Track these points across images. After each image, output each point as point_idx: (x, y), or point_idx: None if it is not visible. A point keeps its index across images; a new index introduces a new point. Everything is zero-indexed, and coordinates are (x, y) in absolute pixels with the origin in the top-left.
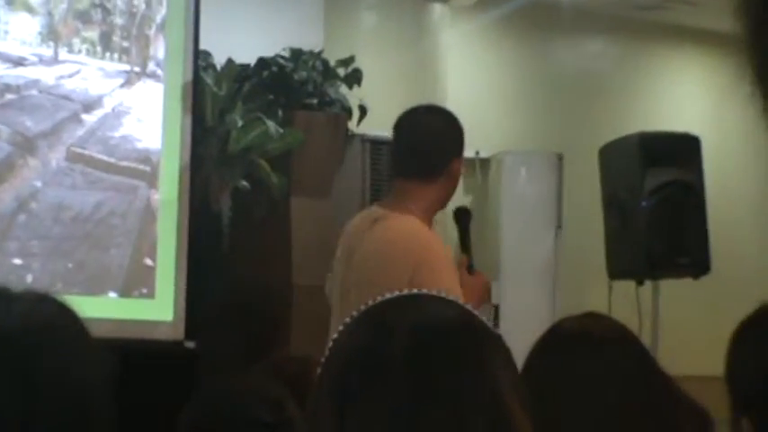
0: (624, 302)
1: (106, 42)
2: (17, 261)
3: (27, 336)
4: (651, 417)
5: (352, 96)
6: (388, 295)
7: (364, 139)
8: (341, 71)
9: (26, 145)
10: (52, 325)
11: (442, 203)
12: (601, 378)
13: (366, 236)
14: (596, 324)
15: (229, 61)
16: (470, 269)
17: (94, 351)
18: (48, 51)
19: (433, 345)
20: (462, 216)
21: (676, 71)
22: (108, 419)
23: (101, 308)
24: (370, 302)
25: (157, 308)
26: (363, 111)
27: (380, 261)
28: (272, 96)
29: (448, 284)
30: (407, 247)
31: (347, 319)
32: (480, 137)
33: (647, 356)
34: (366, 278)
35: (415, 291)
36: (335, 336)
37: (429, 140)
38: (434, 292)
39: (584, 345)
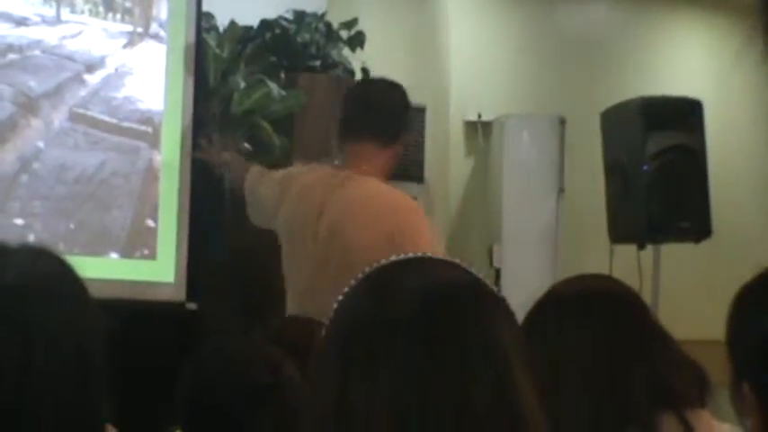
0: (625, 266)
1: (109, 3)
2: (19, 221)
3: (25, 288)
4: (646, 371)
5: (355, 59)
6: (393, 258)
7: None
8: (344, 33)
9: (29, 105)
10: (50, 278)
11: (389, 171)
12: (595, 334)
13: (339, 193)
14: (592, 283)
15: (232, 23)
16: None
17: (92, 305)
18: (50, 11)
19: (440, 307)
20: None
21: (679, 35)
22: (105, 374)
23: (102, 268)
24: (376, 264)
25: (159, 269)
26: (366, 73)
27: (359, 225)
28: (274, 58)
29: (426, 235)
30: (389, 213)
31: (352, 281)
32: (482, 100)
33: (644, 312)
34: (340, 238)
35: (419, 254)
36: (340, 297)
37: (390, 109)
38: (440, 256)
39: (582, 302)
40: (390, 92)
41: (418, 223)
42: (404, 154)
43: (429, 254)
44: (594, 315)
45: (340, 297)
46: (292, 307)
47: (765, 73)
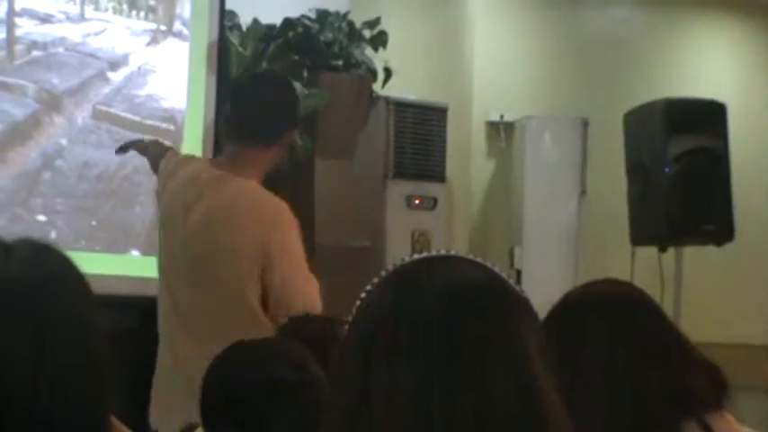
0: (647, 269)
1: (133, 0)
2: (41, 218)
3: (31, 281)
4: (664, 376)
5: (378, 58)
6: (416, 256)
7: (389, 101)
8: (366, 33)
9: (52, 102)
10: (54, 272)
11: (270, 168)
12: (611, 337)
13: (209, 194)
14: (610, 287)
15: (255, 21)
16: None
17: (94, 298)
18: (74, 9)
19: (464, 305)
20: None
21: (703, 37)
22: (111, 366)
23: (123, 265)
24: (398, 262)
25: None
26: (388, 73)
27: (229, 227)
28: (297, 57)
29: (297, 247)
30: (260, 213)
31: (375, 279)
32: (505, 101)
33: (659, 315)
34: (212, 238)
35: (443, 252)
36: (362, 295)
37: (269, 110)
38: (463, 254)
39: (597, 307)
40: (271, 89)
41: (287, 229)
42: (426, 153)
43: (452, 252)
44: (611, 320)
45: (362, 294)
46: (159, 296)
47: None
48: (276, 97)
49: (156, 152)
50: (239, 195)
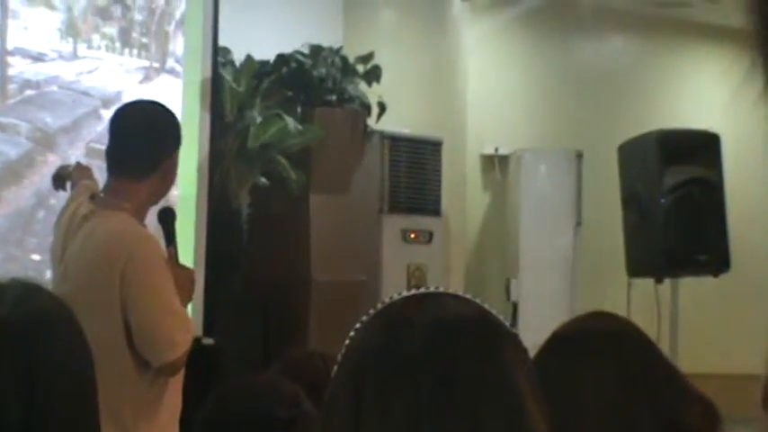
0: (643, 300)
1: (125, 38)
2: (36, 257)
3: (22, 323)
4: (656, 410)
5: (372, 93)
6: (405, 293)
7: (383, 135)
8: (360, 68)
9: (46, 141)
10: (46, 315)
11: (157, 198)
12: (600, 373)
13: (78, 233)
14: (597, 322)
15: (248, 57)
16: (176, 262)
17: (84, 337)
18: (67, 47)
19: (452, 342)
20: (165, 215)
21: (696, 69)
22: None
23: None
24: (387, 300)
25: None
26: (382, 107)
27: (90, 263)
28: (291, 93)
29: (158, 280)
30: (116, 246)
31: (364, 316)
32: (499, 134)
33: (650, 349)
34: (76, 277)
35: (431, 288)
36: (352, 332)
37: (139, 140)
38: (451, 291)
39: (584, 343)
40: (141, 120)
41: (144, 261)
42: (421, 187)
43: (440, 288)
44: (601, 355)
45: (352, 331)
46: None
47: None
48: (146, 127)
49: (79, 178)
50: (97, 236)
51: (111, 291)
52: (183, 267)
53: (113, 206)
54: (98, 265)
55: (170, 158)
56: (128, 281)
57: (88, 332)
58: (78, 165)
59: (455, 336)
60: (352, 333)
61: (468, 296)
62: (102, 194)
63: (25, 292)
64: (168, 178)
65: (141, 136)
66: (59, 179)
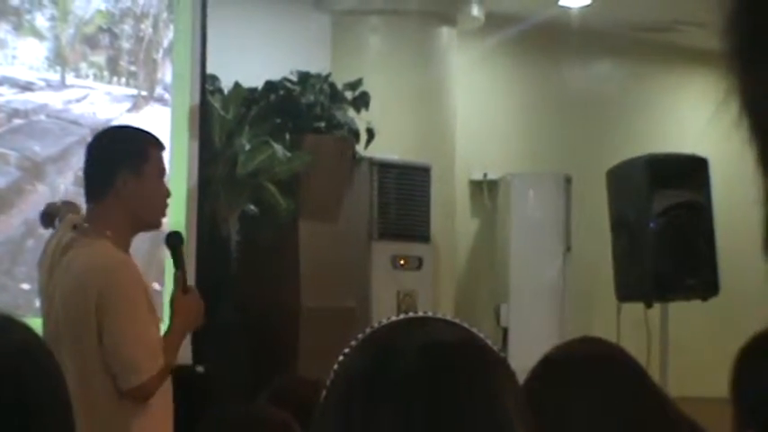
0: (633, 324)
1: (113, 67)
2: (25, 286)
3: (4, 358)
4: None
5: (360, 119)
6: (393, 318)
7: (372, 162)
8: (348, 94)
9: (34, 170)
10: (24, 347)
11: (138, 223)
12: (590, 401)
13: (60, 263)
14: (586, 347)
15: (236, 85)
16: (184, 287)
17: (59, 368)
18: (55, 76)
19: (439, 367)
20: (172, 239)
21: (684, 92)
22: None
23: None
24: (375, 325)
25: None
26: (371, 134)
27: (68, 293)
28: (279, 120)
29: (129, 306)
30: (91, 276)
31: (352, 342)
32: (488, 159)
33: (639, 375)
34: (59, 308)
35: (420, 313)
36: (340, 358)
37: (91, 162)
38: (440, 315)
39: (573, 368)
40: (95, 143)
41: (117, 287)
42: (410, 213)
43: (429, 313)
44: (590, 381)
45: (341, 357)
46: None
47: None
48: (97, 147)
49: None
50: (72, 267)
51: (88, 319)
52: (190, 291)
53: (94, 234)
54: (75, 296)
55: (121, 177)
56: (102, 308)
57: (72, 361)
58: (65, 202)
59: (443, 360)
60: (340, 358)
61: (456, 320)
62: (82, 222)
63: (2, 326)
64: (131, 198)
65: (93, 157)
66: (47, 217)
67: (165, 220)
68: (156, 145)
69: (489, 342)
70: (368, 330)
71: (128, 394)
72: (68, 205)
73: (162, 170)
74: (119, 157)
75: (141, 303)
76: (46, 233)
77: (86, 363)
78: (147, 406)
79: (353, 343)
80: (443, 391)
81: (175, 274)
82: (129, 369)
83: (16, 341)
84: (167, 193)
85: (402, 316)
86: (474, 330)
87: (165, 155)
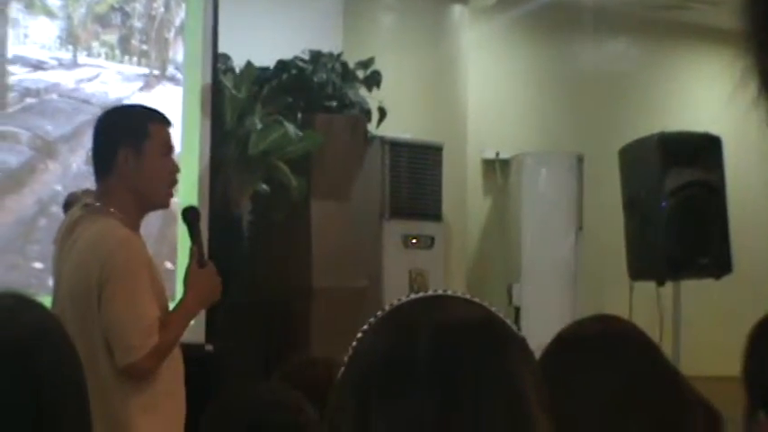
0: (645, 303)
1: (125, 46)
2: (38, 265)
3: (20, 340)
4: (658, 414)
5: (372, 98)
6: (412, 296)
7: (384, 140)
8: (360, 73)
9: (46, 149)
10: (40, 328)
11: (139, 201)
12: (605, 378)
13: (67, 241)
14: (599, 325)
15: (248, 64)
16: (201, 261)
17: (74, 348)
18: (67, 55)
19: (457, 346)
20: (189, 214)
21: (697, 71)
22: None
23: None
24: (394, 302)
25: None
26: (383, 113)
27: (72, 269)
28: (291, 99)
29: (128, 283)
30: (93, 252)
31: (371, 319)
32: (500, 138)
33: (654, 353)
34: (65, 285)
35: (439, 291)
36: (359, 335)
37: (96, 141)
38: (459, 294)
39: (586, 346)
40: (102, 119)
41: (119, 266)
42: (422, 192)
43: (448, 291)
44: (603, 358)
45: (358, 335)
46: None
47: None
48: (98, 126)
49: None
50: (82, 237)
51: (90, 295)
52: (207, 265)
53: (100, 212)
54: (79, 271)
55: (121, 152)
56: (103, 284)
57: (77, 339)
58: (86, 191)
59: (462, 338)
60: (359, 335)
61: (476, 299)
62: (92, 199)
63: (19, 306)
64: (132, 175)
65: (97, 136)
66: (69, 207)
67: (175, 200)
68: (160, 121)
69: (508, 321)
70: (386, 308)
71: (124, 371)
72: (88, 194)
73: (167, 147)
74: (119, 134)
75: (141, 280)
76: (59, 212)
77: (91, 338)
78: (149, 384)
79: (372, 320)
80: (462, 371)
81: (191, 249)
82: (121, 346)
83: (33, 322)
84: (175, 169)
85: (421, 294)
86: (492, 308)
87: (177, 134)
